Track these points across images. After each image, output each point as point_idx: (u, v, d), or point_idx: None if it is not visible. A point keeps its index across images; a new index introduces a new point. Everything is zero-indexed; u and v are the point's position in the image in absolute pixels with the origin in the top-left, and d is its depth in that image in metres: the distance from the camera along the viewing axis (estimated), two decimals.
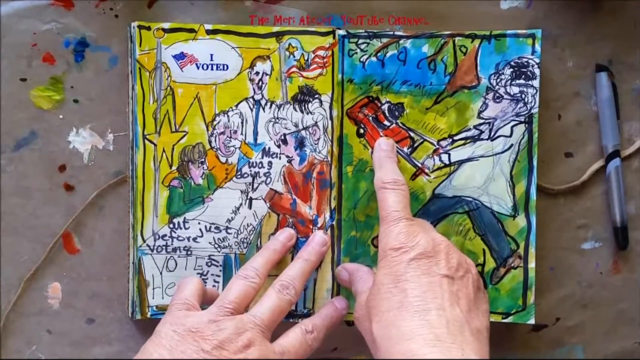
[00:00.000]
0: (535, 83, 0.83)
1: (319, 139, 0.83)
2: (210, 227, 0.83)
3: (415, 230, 0.76)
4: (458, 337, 0.70)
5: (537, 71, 0.83)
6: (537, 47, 0.83)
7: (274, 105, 0.83)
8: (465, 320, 0.71)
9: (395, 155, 0.83)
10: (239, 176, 0.83)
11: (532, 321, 0.85)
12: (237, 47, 0.82)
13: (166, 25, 0.81)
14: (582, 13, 0.86)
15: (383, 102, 0.83)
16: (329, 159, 0.83)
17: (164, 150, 0.82)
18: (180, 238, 0.83)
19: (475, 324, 0.73)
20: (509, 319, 0.85)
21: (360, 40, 0.83)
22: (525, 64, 0.83)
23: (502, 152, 0.84)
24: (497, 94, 0.83)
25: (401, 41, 0.83)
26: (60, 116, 0.84)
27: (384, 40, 0.83)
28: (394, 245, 0.75)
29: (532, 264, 0.85)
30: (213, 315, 0.75)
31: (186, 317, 0.75)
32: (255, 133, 0.83)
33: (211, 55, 0.82)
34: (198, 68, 0.82)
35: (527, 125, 0.83)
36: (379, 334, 0.73)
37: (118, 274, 0.85)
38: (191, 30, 0.82)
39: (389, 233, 0.76)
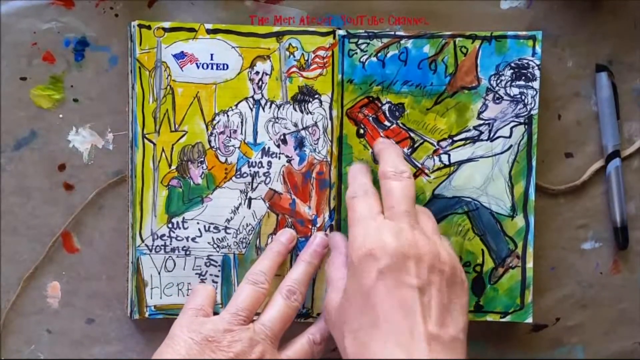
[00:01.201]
0: (535, 84, 0.83)
1: (318, 139, 0.83)
2: (209, 227, 0.83)
3: (387, 229, 0.74)
4: (433, 354, 0.69)
5: (537, 73, 0.83)
6: (538, 49, 0.83)
7: (273, 105, 0.83)
8: (438, 334, 0.70)
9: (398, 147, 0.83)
10: (238, 176, 0.83)
11: (530, 320, 0.85)
12: (237, 47, 0.82)
13: (166, 25, 0.81)
14: (582, 13, 0.86)
15: (383, 102, 0.83)
16: (329, 159, 0.83)
17: (163, 150, 0.82)
18: (179, 238, 0.83)
19: (450, 332, 0.71)
20: (507, 318, 0.85)
21: (360, 41, 0.83)
22: (526, 65, 0.83)
23: (501, 153, 0.84)
24: (497, 95, 0.83)
25: (402, 41, 0.83)
26: (60, 115, 0.84)
27: (384, 40, 0.83)
28: (362, 251, 0.73)
29: (530, 264, 0.85)
30: (227, 324, 0.77)
31: (203, 324, 0.77)
32: (255, 133, 0.83)
33: (211, 54, 0.82)
34: (198, 67, 0.82)
35: (526, 126, 0.83)
36: (351, 351, 0.73)
37: (117, 273, 0.85)
38: (191, 30, 0.82)
39: (356, 235, 0.75)
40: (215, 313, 0.80)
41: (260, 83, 0.82)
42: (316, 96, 0.83)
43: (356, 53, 0.83)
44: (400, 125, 0.84)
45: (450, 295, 0.73)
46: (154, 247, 0.83)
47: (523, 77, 0.83)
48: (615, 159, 0.86)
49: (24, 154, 0.84)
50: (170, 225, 0.83)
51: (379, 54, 0.83)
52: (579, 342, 0.88)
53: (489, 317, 0.85)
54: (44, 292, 0.85)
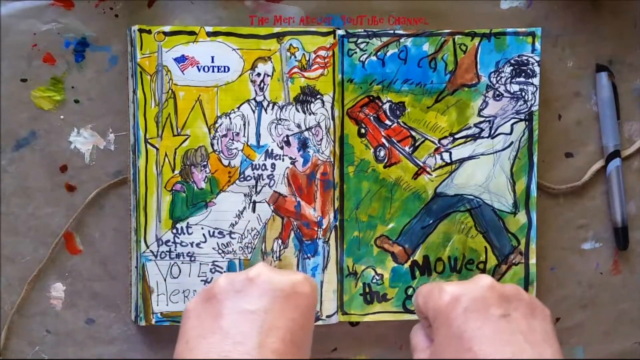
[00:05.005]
0: (535, 81, 0.83)
1: (321, 139, 0.83)
2: (213, 232, 0.83)
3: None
4: None
5: (537, 69, 0.83)
6: (537, 45, 0.83)
7: (276, 107, 0.83)
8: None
9: None
10: (242, 179, 0.83)
11: None
12: (238, 49, 0.82)
13: (167, 29, 0.81)
14: (582, 13, 0.86)
15: (384, 101, 0.84)
16: (332, 159, 0.83)
17: (166, 154, 0.82)
18: (183, 244, 0.83)
19: (547, 355, 0.68)
20: None
21: (360, 40, 0.83)
22: (525, 62, 0.83)
23: (503, 150, 0.84)
24: (497, 92, 0.84)
25: (402, 40, 0.83)
26: (61, 116, 0.84)
27: (384, 39, 0.83)
28: (444, 300, 0.70)
29: (533, 260, 0.85)
30: None
31: None
32: (258, 135, 0.83)
33: (212, 57, 0.82)
34: (199, 70, 0.82)
35: (527, 122, 0.84)
36: None
37: (119, 274, 0.85)
38: (192, 33, 0.81)
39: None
40: None
41: (262, 85, 0.82)
42: (318, 96, 0.83)
43: (356, 52, 0.83)
44: (401, 124, 0.84)
45: (533, 321, 0.70)
46: (159, 253, 0.83)
47: (523, 74, 0.83)
48: (616, 159, 0.86)
49: (25, 155, 0.84)
50: (174, 231, 0.82)
51: (379, 53, 0.83)
52: (579, 342, 0.89)
53: None
54: (47, 293, 0.85)
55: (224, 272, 0.83)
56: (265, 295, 0.69)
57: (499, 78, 0.84)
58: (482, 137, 0.84)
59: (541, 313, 0.70)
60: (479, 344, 0.66)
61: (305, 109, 0.83)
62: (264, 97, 0.82)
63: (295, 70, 0.83)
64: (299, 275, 0.72)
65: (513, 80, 0.83)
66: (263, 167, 0.83)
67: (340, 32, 0.83)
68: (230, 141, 0.82)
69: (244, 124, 0.82)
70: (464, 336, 0.67)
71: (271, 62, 0.82)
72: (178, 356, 0.69)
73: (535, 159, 0.84)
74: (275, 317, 0.68)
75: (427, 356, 0.73)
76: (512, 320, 0.68)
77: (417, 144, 0.84)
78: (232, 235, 0.83)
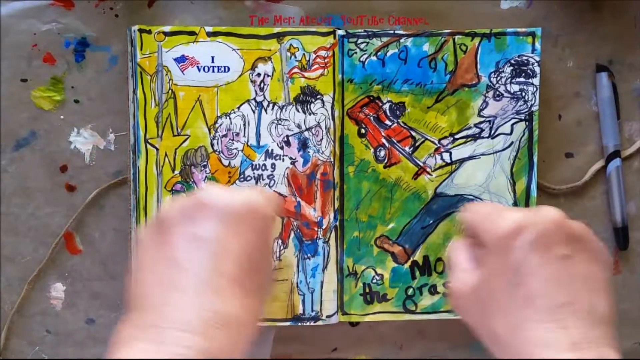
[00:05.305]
0: (536, 81, 0.83)
1: (321, 139, 0.83)
2: None
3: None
4: (592, 334, 0.62)
5: (537, 69, 0.83)
6: (537, 45, 0.83)
7: (276, 107, 0.83)
8: (605, 312, 0.64)
9: None
10: (242, 179, 0.83)
11: None
12: (238, 49, 0.82)
13: (167, 29, 0.81)
14: (582, 13, 0.86)
15: (384, 101, 0.84)
16: (332, 159, 0.83)
17: (166, 155, 0.82)
18: None
19: (601, 306, 0.64)
20: None
21: (360, 40, 0.83)
22: (526, 62, 0.83)
23: (503, 150, 0.84)
24: (497, 92, 0.84)
25: (402, 40, 0.83)
26: (61, 116, 0.84)
27: (384, 39, 0.83)
28: (506, 227, 0.65)
29: None
30: None
31: None
32: (258, 135, 0.83)
33: (212, 57, 0.81)
34: (199, 70, 0.81)
35: (527, 122, 0.84)
36: (502, 332, 0.65)
37: (119, 274, 0.85)
38: (192, 33, 0.81)
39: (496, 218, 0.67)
40: None
41: (262, 85, 0.82)
42: (318, 96, 0.83)
43: (356, 52, 0.83)
44: (401, 124, 0.84)
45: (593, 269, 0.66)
46: None
47: (523, 74, 0.83)
48: (616, 159, 0.86)
49: (25, 155, 0.84)
50: None
51: (379, 53, 0.83)
52: None
53: None
54: (47, 293, 0.85)
55: None
56: (217, 219, 0.66)
57: (499, 78, 0.84)
58: (482, 137, 0.84)
59: (604, 259, 0.67)
60: (534, 282, 0.63)
61: (305, 109, 0.83)
62: (264, 97, 0.82)
63: (296, 70, 0.83)
64: (253, 192, 0.69)
65: (513, 80, 0.83)
66: (263, 167, 0.83)
67: (340, 32, 0.83)
68: (230, 141, 0.82)
69: (244, 124, 0.82)
70: (521, 270, 0.64)
71: (271, 62, 0.82)
72: (130, 292, 0.66)
73: (535, 159, 0.84)
74: (228, 240, 0.65)
75: (473, 279, 0.68)
76: (574, 262, 0.64)
77: (417, 144, 0.84)
78: None
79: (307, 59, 0.83)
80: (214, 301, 0.63)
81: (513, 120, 0.84)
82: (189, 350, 0.60)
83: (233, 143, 0.83)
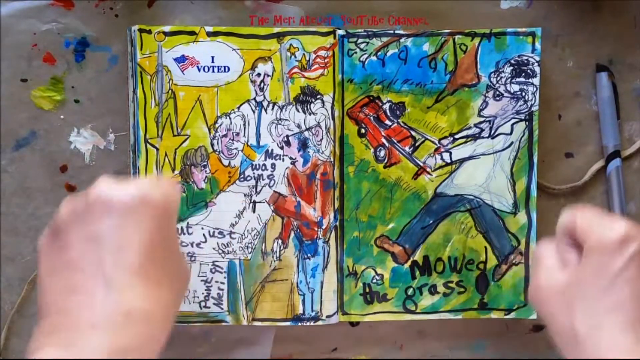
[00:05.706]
0: (536, 81, 0.83)
1: (321, 139, 0.83)
2: (213, 232, 0.83)
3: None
4: None
5: (537, 69, 0.83)
6: (537, 45, 0.83)
7: (276, 107, 0.83)
8: None
9: None
10: (242, 179, 0.83)
11: (533, 317, 0.86)
12: (238, 49, 0.82)
13: (167, 29, 0.81)
14: (582, 13, 0.86)
15: (384, 101, 0.84)
16: (332, 159, 0.83)
17: (166, 154, 0.82)
18: (183, 244, 0.83)
19: None
20: (511, 315, 0.86)
21: (360, 40, 0.83)
22: (526, 62, 0.83)
23: (503, 150, 0.84)
24: (497, 92, 0.84)
25: (402, 40, 0.83)
26: (61, 116, 0.84)
27: (384, 39, 0.83)
28: (615, 235, 0.67)
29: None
30: None
31: None
32: (258, 135, 0.83)
33: (212, 57, 0.82)
34: (199, 70, 0.81)
35: (527, 122, 0.84)
36: (583, 331, 0.67)
37: None
38: (192, 33, 0.81)
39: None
40: None
41: (262, 85, 0.82)
42: (318, 96, 0.83)
43: (356, 52, 0.83)
44: (401, 124, 0.84)
45: None
46: None
47: (523, 74, 0.83)
48: (616, 159, 0.86)
49: (25, 155, 0.84)
50: None
51: (379, 53, 0.83)
52: None
53: (494, 314, 0.86)
54: None
55: (224, 272, 0.83)
56: (109, 214, 0.64)
57: (499, 78, 0.84)
58: (482, 137, 0.84)
59: None
60: (628, 291, 0.66)
61: (305, 109, 0.83)
62: (264, 97, 0.82)
63: (296, 70, 0.83)
64: (144, 182, 0.66)
65: (513, 80, 0.83)
66: (263, 167, 0.83)
67: (340, 32, 0.83)
68: (230, 141, 0.82)
69: (244, 124, 0.82)
70: (618, 278, 0.66)
71: (271, 62, 0.82)
72: (38, 300, 0.65)
73: (535, 159, 0.84)
74: (125, 233, 0.64)
75: (563, 277, 0.70)
76: None
77: (417, 144, 0.84)
78: (232, 235, 0.83)
79: (307, 59, 0.82)
80: (117, 297, 0.62)
81: (513, 120, 0.84)
82: (97, 350, 0.60)
83: (233, 143, 0.83)
